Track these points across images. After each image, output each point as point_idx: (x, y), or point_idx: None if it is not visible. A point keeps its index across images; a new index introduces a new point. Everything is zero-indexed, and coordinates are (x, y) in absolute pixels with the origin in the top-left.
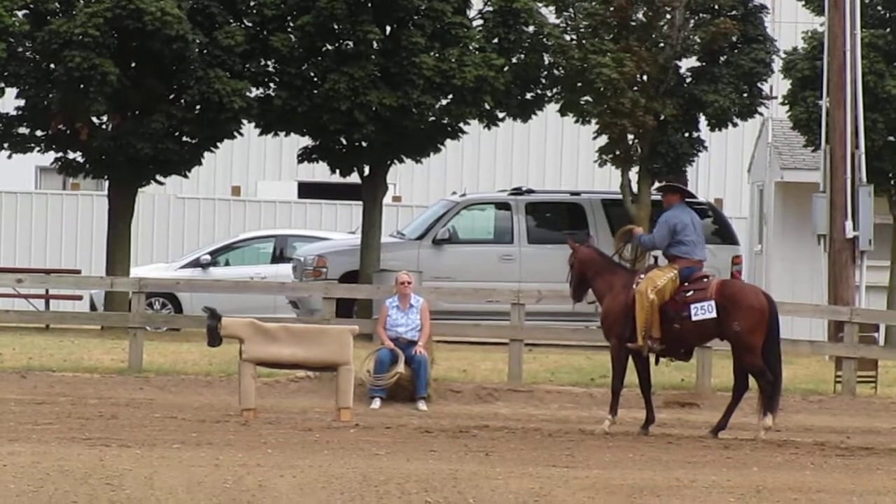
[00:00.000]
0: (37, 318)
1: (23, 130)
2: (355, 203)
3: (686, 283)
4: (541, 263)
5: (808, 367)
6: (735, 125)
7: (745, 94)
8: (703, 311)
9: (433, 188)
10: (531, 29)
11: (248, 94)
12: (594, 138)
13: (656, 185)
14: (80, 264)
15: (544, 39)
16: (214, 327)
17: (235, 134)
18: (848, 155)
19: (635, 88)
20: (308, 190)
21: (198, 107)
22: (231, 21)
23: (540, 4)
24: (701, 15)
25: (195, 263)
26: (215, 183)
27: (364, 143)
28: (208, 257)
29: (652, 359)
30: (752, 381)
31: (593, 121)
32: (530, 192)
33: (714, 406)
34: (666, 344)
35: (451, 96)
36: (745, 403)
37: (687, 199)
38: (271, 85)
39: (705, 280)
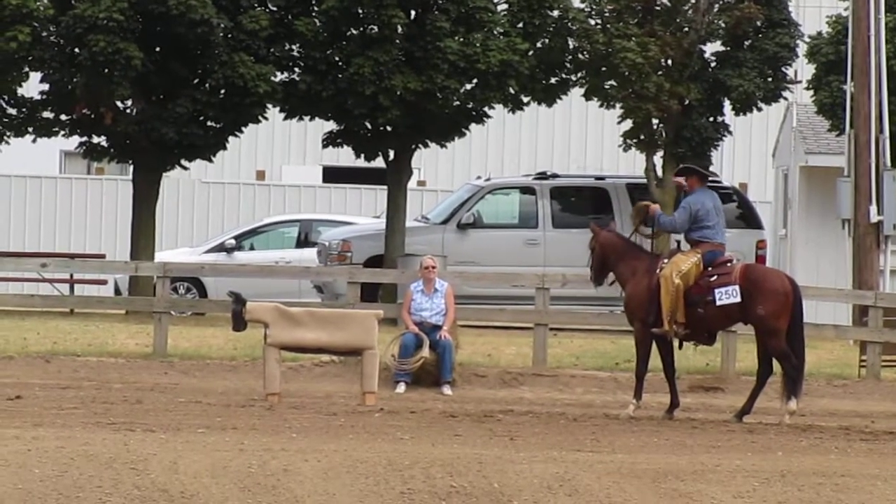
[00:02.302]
0: (61, 302)
1: (47, 115)
2: (380, 187)
3: (710, 268)
4: (565, 248)
5: (833, 352)
6: (760, 110)
7: (770, 79)
8: (728, 295)
9: (458, 172)
10: (556, 13)
11: (272, 78)
12: (619, 122)
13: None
14: (105, 249)
15: (569, 24)
16: (239, 312)
17: (260, 118)
18: (872, 139)
19: (660, 73)
20: (333, 174)
21: (222, 91)
22: (256, 5)
23: None
24: None
25: (220, 248)
26: (240, 167)
27: (389, 128)
28: (233, 242)
29: (676, 343)
30: (776, 365)
31: (618, 105)
32: (555, 176)
33: (738, 390)
34: (690, 328)
35: (475, 81)
36: (770, 388)
37: (711, 181)
38: (296, 69)
39: (729, 264)
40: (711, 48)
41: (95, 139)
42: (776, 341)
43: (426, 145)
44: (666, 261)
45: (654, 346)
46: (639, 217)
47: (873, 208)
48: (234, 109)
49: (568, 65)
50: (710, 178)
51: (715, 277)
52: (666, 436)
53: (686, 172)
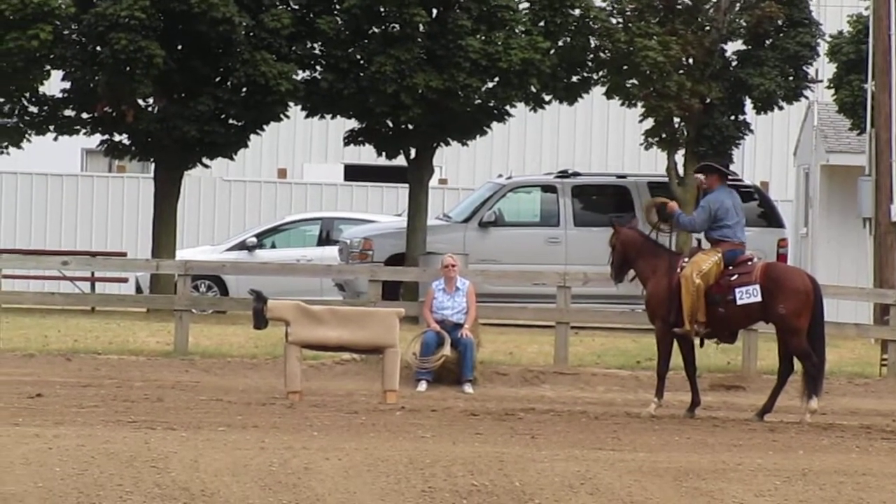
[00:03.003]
0: (82, 300)
1: (69, 113)
2: (401, 186)
3: (730, 267)
4: (587, 246)
5: (854, 350)
6: (781, 108)
7: (791, 78)
8: (748, 294)
9: (479, 171)
10: (577, 12)
11: (294, 76)
12: (640, 121)
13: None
14: (126, 247)
15: (590, 22)
16: (260, 310)
17: (282, 116)
18: (893, 138)
19: (681, 71)
20: (354, 172)
21: (244, 89)
22: (277, 3)
23: None
24: None
25: (241, 246)
26: (261, 165)
27: (410, 126)
28: (254, 240)
29: (697, 341)
30: (797, 363)
31: (639, 104)
32: (576, 174)
33: (760, 389)
34: (711, 327)
35: (497, 79)
36: (791, 386)
37: (731, 180)
38: (317, 67)
39: (750, 263)
40: (733, 47)
41: (117, 137)
42: (797, 340)
43: (448, 143)
44: (686, 260)
45: (675, 344)
46: (651, 211)
47: (894, 207)
48: (256, 107)
49: (589, 63)
50: (731, 177)
51: (735, 277)
52: (687, 434)
53: (705, 170)
